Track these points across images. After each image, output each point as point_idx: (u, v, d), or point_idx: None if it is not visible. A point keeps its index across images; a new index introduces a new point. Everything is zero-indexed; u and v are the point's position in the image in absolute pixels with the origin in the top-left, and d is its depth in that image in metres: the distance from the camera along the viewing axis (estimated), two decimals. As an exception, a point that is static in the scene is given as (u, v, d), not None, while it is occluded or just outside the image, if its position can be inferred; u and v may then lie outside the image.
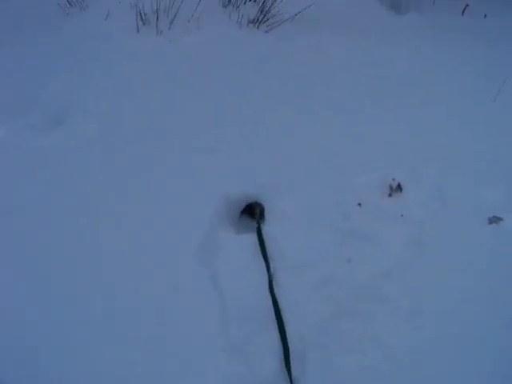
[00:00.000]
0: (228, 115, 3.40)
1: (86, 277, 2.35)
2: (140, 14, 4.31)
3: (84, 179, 2.85)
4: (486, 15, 5.51)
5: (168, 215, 2.67)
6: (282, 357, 2.07)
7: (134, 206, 2.72)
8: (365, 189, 2.87)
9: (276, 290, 2.33)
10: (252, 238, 2.63)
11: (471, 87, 3.74)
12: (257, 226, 2.71)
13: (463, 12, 5.62)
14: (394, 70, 3.90)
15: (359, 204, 2.80)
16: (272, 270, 2.44)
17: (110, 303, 2.25)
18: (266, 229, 2.66)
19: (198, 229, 2.59)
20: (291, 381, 1.99)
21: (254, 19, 4.53)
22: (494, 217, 2.70)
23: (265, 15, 4.54)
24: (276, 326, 2.19)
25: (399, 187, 2.93)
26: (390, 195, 2.91)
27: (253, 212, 2.85)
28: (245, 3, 4.61)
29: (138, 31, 4.32)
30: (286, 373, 2.02)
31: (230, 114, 3.41)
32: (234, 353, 2.08)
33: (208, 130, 3.24)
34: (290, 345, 2.10)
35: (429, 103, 3.52)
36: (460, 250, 2.51)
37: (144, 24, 4.36)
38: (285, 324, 2.19)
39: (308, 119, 3.32)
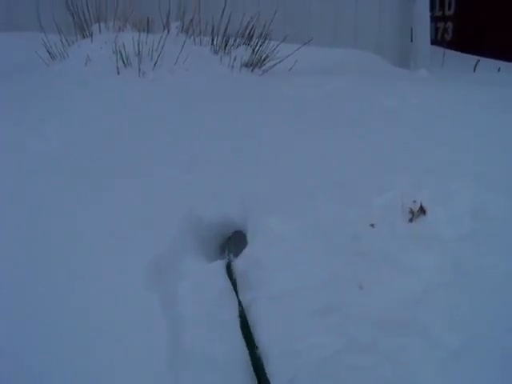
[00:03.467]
0: (217, 142, 2.86)
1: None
2: (121, 55, 3.91)
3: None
4: (499, 69, 5.15)
5: (124, 235, 2.04)
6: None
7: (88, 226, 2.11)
8: (378, 210, 2.24)
9: (259, 324, 1.64)
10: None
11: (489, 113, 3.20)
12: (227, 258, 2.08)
13: (475, 68, 5.25)
14: (404, 100, 3.38)
15: (372, 225, 2.15)
16: (250, 300, 1.76)
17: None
18: (248, 252, 2.00)
19: (155, 252, 1.94)
20: None
21: (247, 63, 4.12)
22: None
23: (260, 59, 4.13)
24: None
25: (422, 209, 2.30)
26: (411, 220, 2.27)
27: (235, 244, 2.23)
28: (237, 47, 4.22)
29: (118, 73, 3.90)
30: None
31: (219, 141, 2.86)
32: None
33: (187, 152, 2.70)
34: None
35: (443, 123, 2.97)
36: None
37: (125, 67, 3.96)
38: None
39: (306, 137, 2.77)
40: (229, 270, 1.95)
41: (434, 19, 8.03)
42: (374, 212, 2.24)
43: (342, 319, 1.62)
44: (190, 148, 2.75)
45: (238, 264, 1.96)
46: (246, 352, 1.57)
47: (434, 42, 6.82)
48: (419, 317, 1.65)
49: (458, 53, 7.40)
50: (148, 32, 4.73)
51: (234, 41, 4.26)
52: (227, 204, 2.23)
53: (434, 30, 8.50)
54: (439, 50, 6.59)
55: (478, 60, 5.27)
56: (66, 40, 4.51)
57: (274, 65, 4.10)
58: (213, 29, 4.34)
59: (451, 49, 7.28)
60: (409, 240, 2.06)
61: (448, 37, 8.56)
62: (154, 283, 1.78)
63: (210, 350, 1.59)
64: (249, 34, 4.30)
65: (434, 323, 1.62)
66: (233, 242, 2.24)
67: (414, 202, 2.34)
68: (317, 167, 2.53)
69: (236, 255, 2.10)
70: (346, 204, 2.22)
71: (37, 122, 3.15)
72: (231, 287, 1.86)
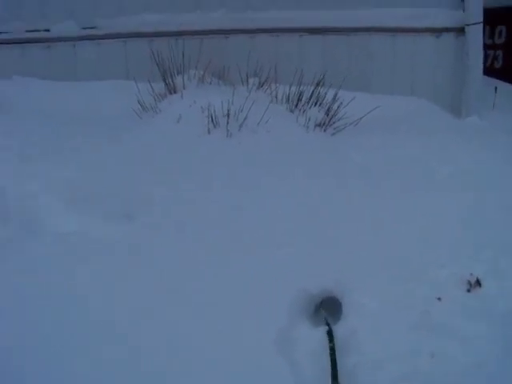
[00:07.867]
0: (296, 214, 3.48)
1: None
2: (211, 117, 4.53)
3: (149, 272, 2.92)
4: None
5: (242, 310, 2.67)
6: None
7: (208, 301, 2.73)
8: (442, 283, 2.82)
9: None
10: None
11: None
12: (327, 328, 2.67)
13: (526, 112, 5.66)
14: (457, 166, 3.94)
15: (439, 298, 2.73)
16: (351, 366, 2.36)
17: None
18: (344, 323, 2.62)
19: (274, 325, 2.57)
20: None
21: (320, 123, 4.70)
22: None
23: (331, 119, 4.71)
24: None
25: (478, 283, 2.85)
26: (468, 291, 2.83)
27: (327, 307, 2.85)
28: (310, 108, 4.81)
29: (208, 133, 4.52)
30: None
31: (299, 213, 3.49)
32: None
33: (279, 227, 3.31)
34: None
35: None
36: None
37: (215, 127, 4.57)
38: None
39: (378, 216, 3.37)
40: (330, 335, 2.57)
41: (484, 46, 8.33)
42: (439, 285, 2.81)
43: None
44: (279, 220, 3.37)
45: (338, 332, 2.59)
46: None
47: (483, 70, 7.16)
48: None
49: (508, 85, 7.75)
50: (225, 80, 5.39)
51: (308, 100, 4.85)
52: (325, 277, 2.86)
53: (484, 58, 8.82)
54: (489, 81, 6.99)
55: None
56: (157, 96, 5.16)
57: (344, 127, 4.67)
58: (289, 88, 4.91)
59: (501, 78, 7.63)
60: (468, 313, 2.62)
61: (498, 65, 8.90)
62: (279, 351, 2.41)
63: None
64: (318, 93, 4.88)
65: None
66: (327, 305, 2.87)
67: (471, 274, 2.90)
68: (385, 242, 3.13)
69: (332, 318, 2.75)
70: (416, 280, 2.81)
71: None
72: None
